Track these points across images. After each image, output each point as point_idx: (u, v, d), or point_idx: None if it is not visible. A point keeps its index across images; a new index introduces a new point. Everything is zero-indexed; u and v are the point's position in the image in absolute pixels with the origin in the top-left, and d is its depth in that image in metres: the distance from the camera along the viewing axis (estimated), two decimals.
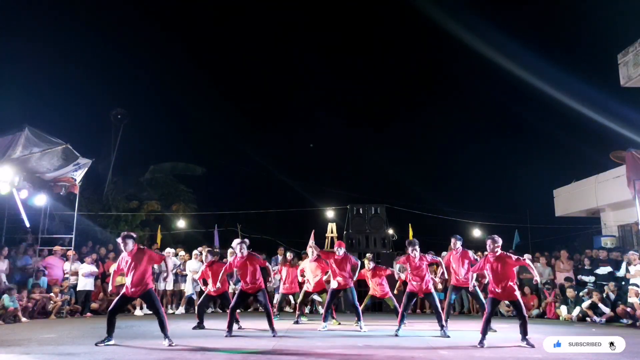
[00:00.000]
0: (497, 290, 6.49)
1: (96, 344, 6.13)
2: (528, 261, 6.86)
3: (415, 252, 7.61)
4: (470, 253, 8.43)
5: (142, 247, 6.69)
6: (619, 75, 13.28)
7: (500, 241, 6.61)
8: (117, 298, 6.55)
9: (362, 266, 9.18)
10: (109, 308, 6.53)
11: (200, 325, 8.34)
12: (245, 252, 7.38)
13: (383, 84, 36.53)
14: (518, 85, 20.69)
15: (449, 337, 7.26)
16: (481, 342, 6.36)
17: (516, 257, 6.68)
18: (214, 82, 33.49)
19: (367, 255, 9.83)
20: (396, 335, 7.40)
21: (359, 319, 8.23)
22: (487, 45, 19.44)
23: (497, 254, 6.54)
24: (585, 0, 21.33)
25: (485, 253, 6.78)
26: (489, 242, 6.61)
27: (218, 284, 8.12)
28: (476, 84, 29.40)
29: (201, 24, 34.38)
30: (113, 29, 29.78)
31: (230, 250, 11.61)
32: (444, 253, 12.09)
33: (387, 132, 34.84)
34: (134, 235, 6.65)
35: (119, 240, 6.55)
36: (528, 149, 28.96)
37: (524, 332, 6.40)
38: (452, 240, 8.35)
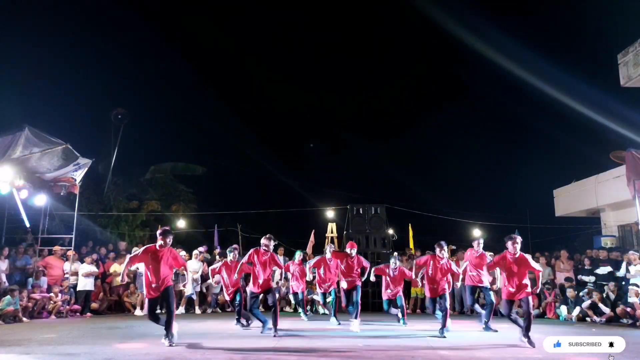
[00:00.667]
0: (511, 289, 6.50)
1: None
2: (540, 271, 6.87)
3: (443, 253, 7.66)
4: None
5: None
6: (619, 75, 13.29)
7: (520, 242, 6.65)
8: (147, 305, 6.76)
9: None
10: (148, 315, 6.68)
11: (248, 323, 8.34)
12: (272, 248, 7.44)
13: (383, 84, 36.63)
14: (518, 85, 20.75)
15: (445, 337, 7.27)
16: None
17: (536, 263, 6.70)
18: (214, 82, 33.55)
19: (395, 254, 9.68)
20: (444, 337, 7.24)
21: (351, 316, 8.29)
22: (488, 46, 19.48)
23: (517, 255, 6.57)
24: (585, 0, 21.35)
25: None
26: (509, 242, 6.61)
27: (235, 276, 8.04)
28: (476, 85, 29.48)
29: (201, 24, 34.44)
30: (113, 30, 29.87)
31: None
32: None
33: (387, 132, 34.93)
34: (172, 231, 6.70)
35: (159, 235, 6.46)
36: (528, 149, 29.05)
37: (526, 328, 6.39)
38: (476, 242, 8.57)
